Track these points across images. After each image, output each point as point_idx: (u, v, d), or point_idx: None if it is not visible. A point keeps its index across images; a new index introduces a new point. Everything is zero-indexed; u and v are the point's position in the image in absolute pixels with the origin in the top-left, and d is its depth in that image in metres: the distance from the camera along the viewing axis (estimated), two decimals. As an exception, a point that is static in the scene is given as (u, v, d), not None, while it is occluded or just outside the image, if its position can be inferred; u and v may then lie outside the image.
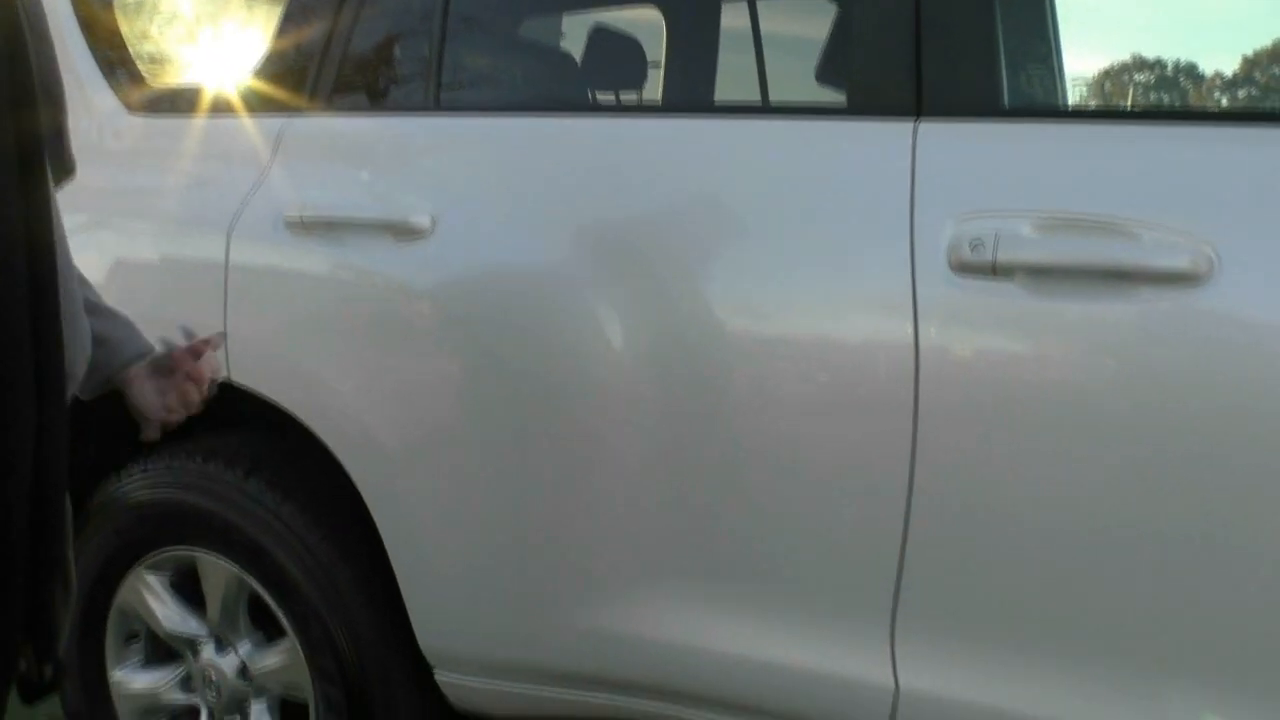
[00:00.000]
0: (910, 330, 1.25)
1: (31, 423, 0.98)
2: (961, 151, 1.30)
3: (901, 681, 1.33)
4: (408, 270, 1.53)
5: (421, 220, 1.52)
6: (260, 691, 1.75)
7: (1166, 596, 1.21)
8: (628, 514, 1.46)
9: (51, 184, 1.03)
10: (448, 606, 1.58)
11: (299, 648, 1.66)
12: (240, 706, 1.77)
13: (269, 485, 1.67)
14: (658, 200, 1.47)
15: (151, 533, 1.75)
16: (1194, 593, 1.20)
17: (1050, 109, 1.62)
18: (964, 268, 1.23)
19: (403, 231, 1.52)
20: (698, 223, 1.44)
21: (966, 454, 1.27)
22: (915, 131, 1.31)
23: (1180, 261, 1.14)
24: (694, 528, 1.44)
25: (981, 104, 1.31)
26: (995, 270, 1.21)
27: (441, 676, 1.61)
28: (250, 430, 1.78)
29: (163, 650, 1.84)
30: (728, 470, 1.40)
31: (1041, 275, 1.21)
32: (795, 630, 1.39)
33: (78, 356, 1.10)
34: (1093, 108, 3.16)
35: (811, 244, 1.34)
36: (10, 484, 0.97)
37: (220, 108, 1.74)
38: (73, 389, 1.09)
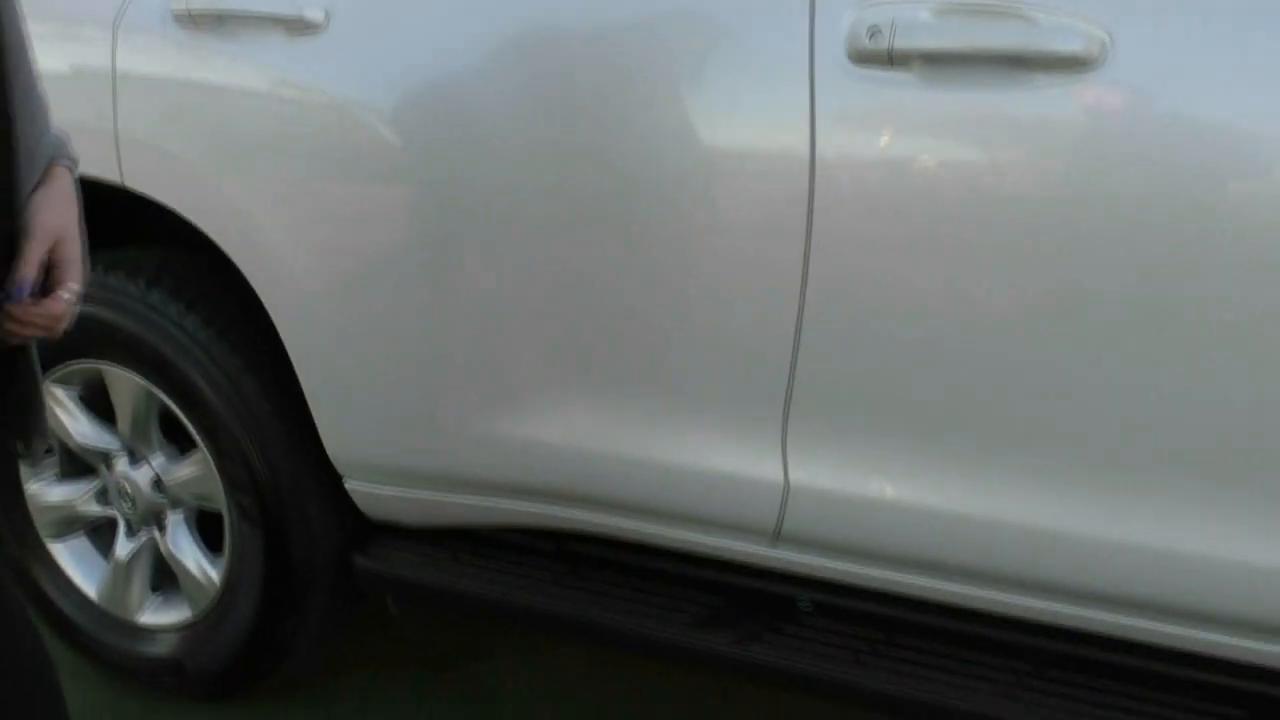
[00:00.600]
0: (808, 125, 1.23)
1: None
2: None
3: (792, 480, 1.36)
4: (300, 67, 1.47)
5: (315, 14, 1.45)
6: (176, 503, 1.76)
7: (1059, 393, 1.23)
8: (533, 325, 1.45)
9: None
10: (354, 417, 1.58)
11: (210, 458, 1.66)
12: (157, 518, 1.78)
13: (172, 296, 1.64)
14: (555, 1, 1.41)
15: (56, 346, 1.73)
16: (1084, 386, 1.22)
17: None
18: (862, 57, 1.20)
19: (296, 26, 1.46)
20: (599, 28, 1.38)
21: (861, 253, 1.26)
22: None
23: (1074, 45, 1.12)
24: (598, 338, 1.44)
25: None
26: (892, 59, 1.17)
27: (351, 485, 1.62)
28: (153, 240, 1.74)
29: (78, 464, 1.84)
30: (629, 280, 1.39)
31: (938, 62, 1.18)
32: (693, 434, 1.41)
33: (37, 134, 1.00)
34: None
35: (711, 44, 1.30)
36: None
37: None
38: (31, 173, 0.99)
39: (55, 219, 1.00)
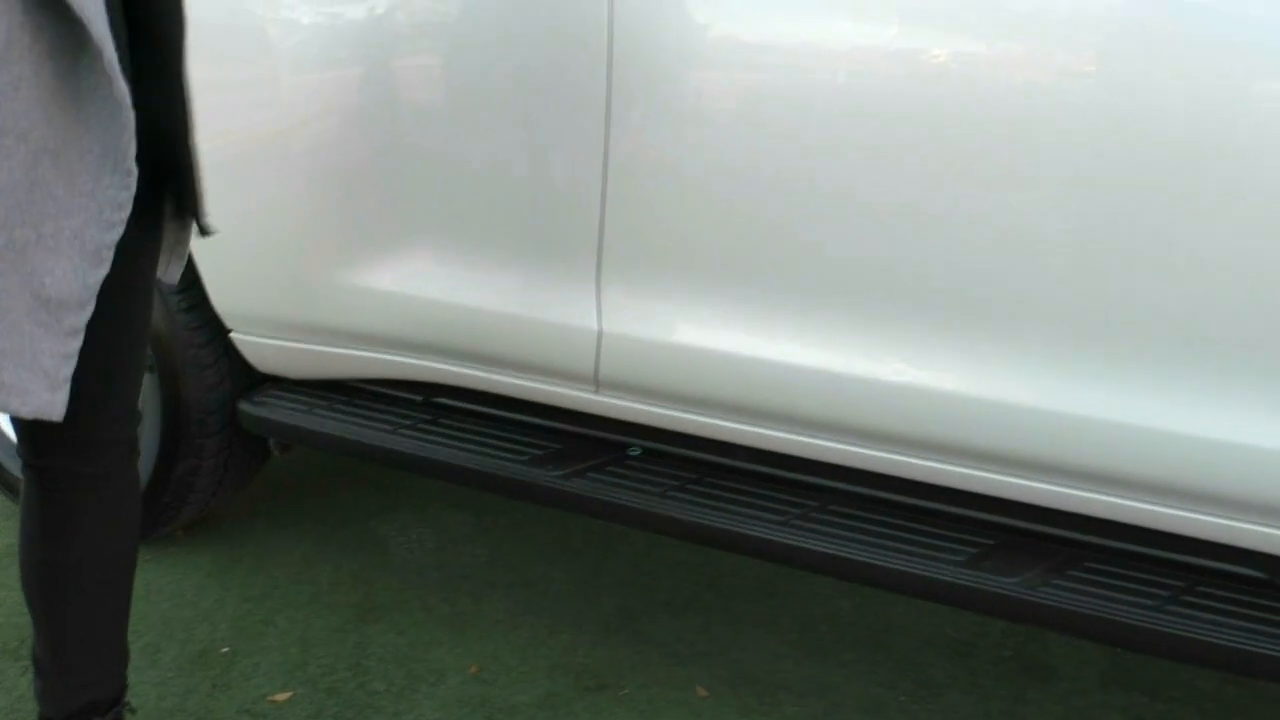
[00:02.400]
0: None
1: None
2: None
3: (606, 327, 1.49)
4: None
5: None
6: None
7: (870, 236, 1.33)
8: (376, 183, 1.60)
9: None
10: (236, 271, 1.72)
11: (117, 313, 1.82)
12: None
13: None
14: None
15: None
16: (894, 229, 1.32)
17: None
18: None
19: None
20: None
21: (660, 109, 1.37)
22: None
23: None
24: (440, 194, 1.58)
25: None
26: None
27: (236, 336, 1.77)
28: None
29: None
30: (453, 136, 1.53)
31: None
32: (517, 283, 1.54)
33: None
34: None
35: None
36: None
37: None
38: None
39: None
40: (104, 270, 1.03)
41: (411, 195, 1.58)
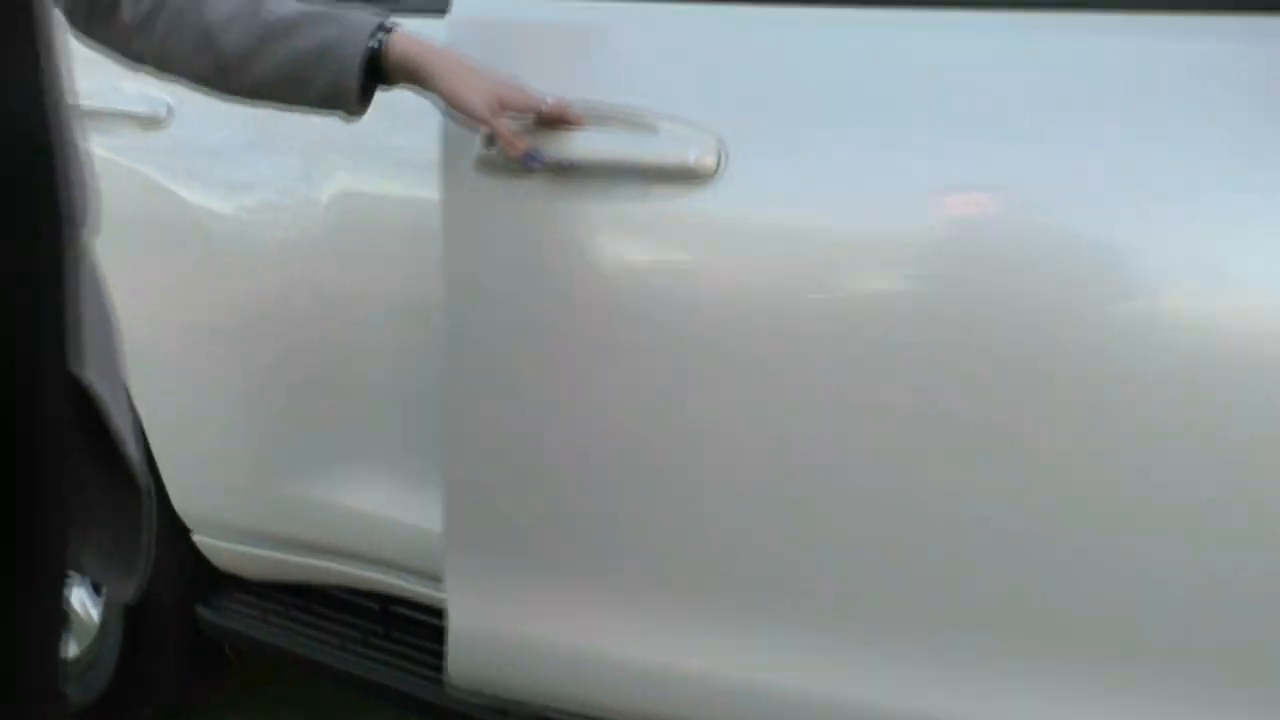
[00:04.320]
0: (437, 231, 1.23)
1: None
2: (483, 27, 1.21)
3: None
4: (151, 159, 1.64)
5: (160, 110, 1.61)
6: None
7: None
8: (339, 397, 1.57)
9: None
10: (196, 476, 1.71)
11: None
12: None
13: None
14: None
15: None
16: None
17: None
18: (485, 165, 1.18)
19: (148, 122, 1.63)
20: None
21: (493, 375, 1.26)
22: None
23: (688, 156, 1.11)
24: (390, 415, 1.54)
25: None
26: (514, 168, 1.16)
27: (198, 538, 1.75)
28: None
29: None
30: (403, 365, 1.50)
31: (563, 173, 1.16)
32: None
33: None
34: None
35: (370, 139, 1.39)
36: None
37: None
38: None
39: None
40: None
41: (364, 412, 1.55)
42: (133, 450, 0.97)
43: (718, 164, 1.10)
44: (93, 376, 0.93)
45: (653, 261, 1.19)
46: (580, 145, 1.15)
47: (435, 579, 1.56)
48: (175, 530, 1.75)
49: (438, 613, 1.63)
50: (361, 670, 1.57)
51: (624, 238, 1.19)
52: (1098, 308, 1.00)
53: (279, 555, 1.70)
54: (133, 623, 1.78)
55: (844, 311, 1.10)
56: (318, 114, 1.16)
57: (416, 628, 1.65)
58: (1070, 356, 1.00)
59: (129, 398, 1.03)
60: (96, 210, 0.96)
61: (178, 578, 1.77)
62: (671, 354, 1.16)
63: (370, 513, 1.57)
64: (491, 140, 1.14)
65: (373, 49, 1.10)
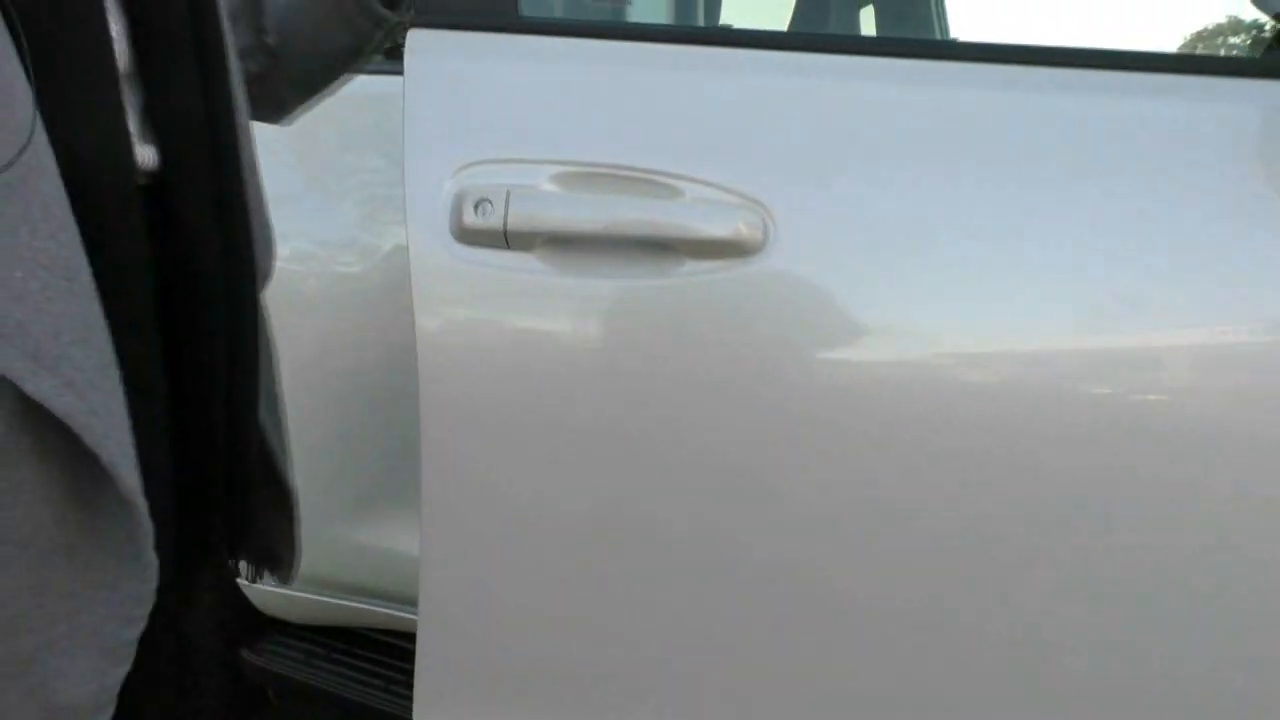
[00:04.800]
0: (410, 317, 1.02)
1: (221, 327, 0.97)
2: (462, 72, 1.02)
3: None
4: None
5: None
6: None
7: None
8: (374, 443, 1.60)
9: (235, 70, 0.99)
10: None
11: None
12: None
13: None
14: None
15: None
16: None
17: (578, 24, 1.11)
18: (470, 236, 0.98)
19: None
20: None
21: (477, 481, 1.07)
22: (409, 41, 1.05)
23: (733, 227, 0.96)
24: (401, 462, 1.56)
25: (487, 7, 1.05)
26: (509, 240, 0.98)
27: (241, 582, 1.77)
28: None
29: None
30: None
31: (567, 246, 0.98)
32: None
33: (265, 251, 1.04)
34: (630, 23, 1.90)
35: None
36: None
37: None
38: (263, 284, 1.05)
39: None
40: (124, 669, 0.88)
41: (408, 456, 1.57)
42: (287, 463, 1.06)
43: (765, 235, 0.96)
44: (264, 413, 1.01)
45: (677, 350, 0.99)
46: (592, 211, 0.98)
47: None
48: (218, 574, 1.77)
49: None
50: (405, 712, 1.58)
51: (643, 320, 0.99)
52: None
53: (322, 598, 1.72)
54: (177, 666, 1.79)
55: (900, 413, 0.95)
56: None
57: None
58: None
59: (281, 415, 1.10)
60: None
61: (221, 622, 1.79)
62: (724, 466, 1.00)
63: (412, 555, 1.59)
64: (481, 206, 0.98)
65: None
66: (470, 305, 1.01)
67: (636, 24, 1.25)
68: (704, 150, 0.98)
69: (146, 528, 0.85)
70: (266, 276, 1.03)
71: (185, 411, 0.96)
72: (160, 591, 0.91)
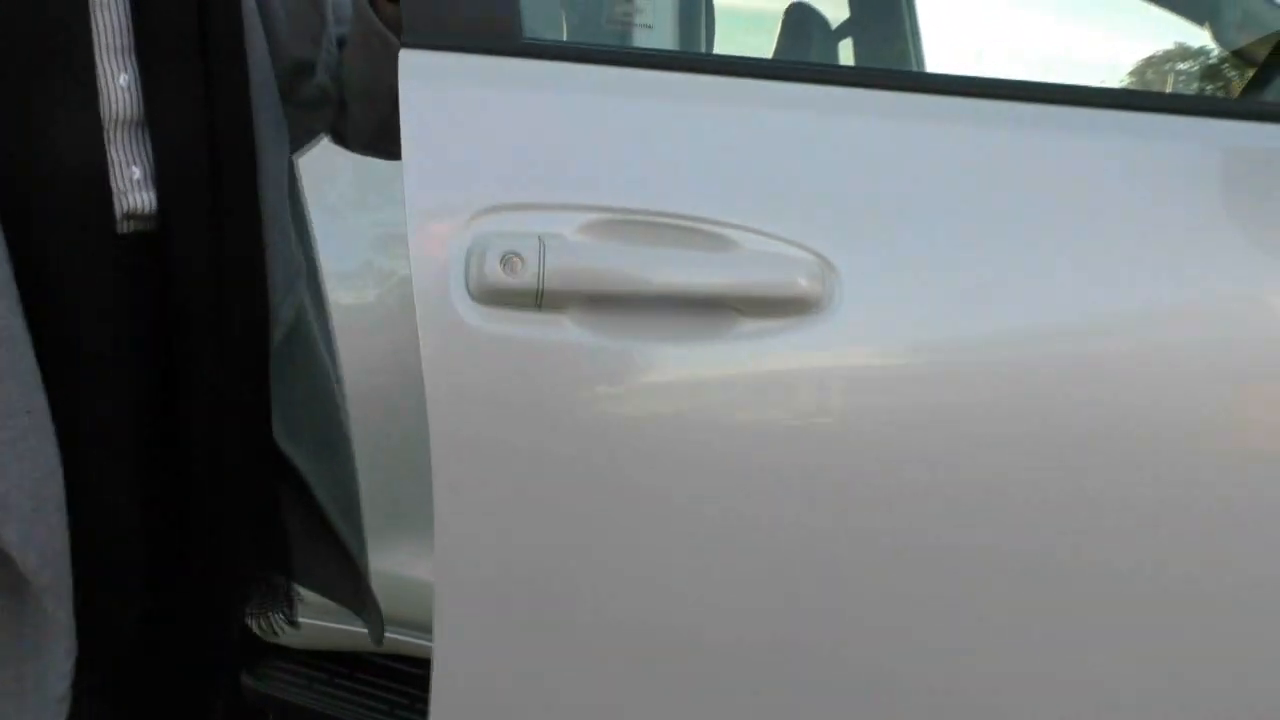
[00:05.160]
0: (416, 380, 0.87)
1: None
2: (469, 101, 0.87)
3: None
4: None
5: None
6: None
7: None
8: (373, 470, 1.60)
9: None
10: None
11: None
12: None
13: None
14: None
15: None
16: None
17: (606, 49, 0.97)
18: (493, 295, 0.84)
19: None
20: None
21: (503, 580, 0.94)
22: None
23: (794, 281, 0.86)
24: (421, 483, 1.57)
25: (491, 29, 0.89)
26: (542, 300, 0.84)
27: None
28: None
29: None
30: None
31: (603, 305, 0.85)
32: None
33: (284, 297, 1.03)
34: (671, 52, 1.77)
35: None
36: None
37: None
38: (277, 331, 1.03)
39: None
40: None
41: (410, 481, 1.59)
42: (332, 512, 1.11)
43: (828, 290, 0.86)
44: (292, 448, 1.04)
45: (735, 419, 0.88)
46: (638, 266, 0.86)
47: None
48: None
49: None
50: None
51: (697, 388, 0.88)
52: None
53: (323, 623, 1.72)
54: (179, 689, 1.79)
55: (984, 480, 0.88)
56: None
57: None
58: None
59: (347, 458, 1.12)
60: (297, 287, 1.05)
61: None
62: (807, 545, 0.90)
63: (413, 578, 1.61)
64: (508, 261, 0.83)
65: None
66: (494, 375, 0.85)
67: (655, 51, 1.17)
68: (756, 195, 0.88)
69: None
70: (283, 323, 1.03)
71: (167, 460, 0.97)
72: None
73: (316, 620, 1.72)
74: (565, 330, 0.85)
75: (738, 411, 0.87)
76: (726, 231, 0.86)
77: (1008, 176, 0.87)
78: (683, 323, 0.86)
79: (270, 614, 1.16)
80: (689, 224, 0.86)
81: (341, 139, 1.17)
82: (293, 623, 1.15)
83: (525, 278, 0.83)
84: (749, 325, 0.86)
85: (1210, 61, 1.75)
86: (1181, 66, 1.95)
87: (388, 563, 1.61)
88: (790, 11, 2.40)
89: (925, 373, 0.87)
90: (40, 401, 0.83)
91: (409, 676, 1.72)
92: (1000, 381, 0.86)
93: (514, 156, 0.86)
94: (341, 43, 1.10)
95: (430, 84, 0.86)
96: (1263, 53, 1.15)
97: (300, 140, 1.11)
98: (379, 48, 1.01)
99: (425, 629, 1.63)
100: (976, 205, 0.87)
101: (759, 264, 0.86)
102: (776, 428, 0.87)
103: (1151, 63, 1.96)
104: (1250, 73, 1.13)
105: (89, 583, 0.90)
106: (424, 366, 0.85)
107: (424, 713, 1.65)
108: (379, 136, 1.08)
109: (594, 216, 0.86)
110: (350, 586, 1.16)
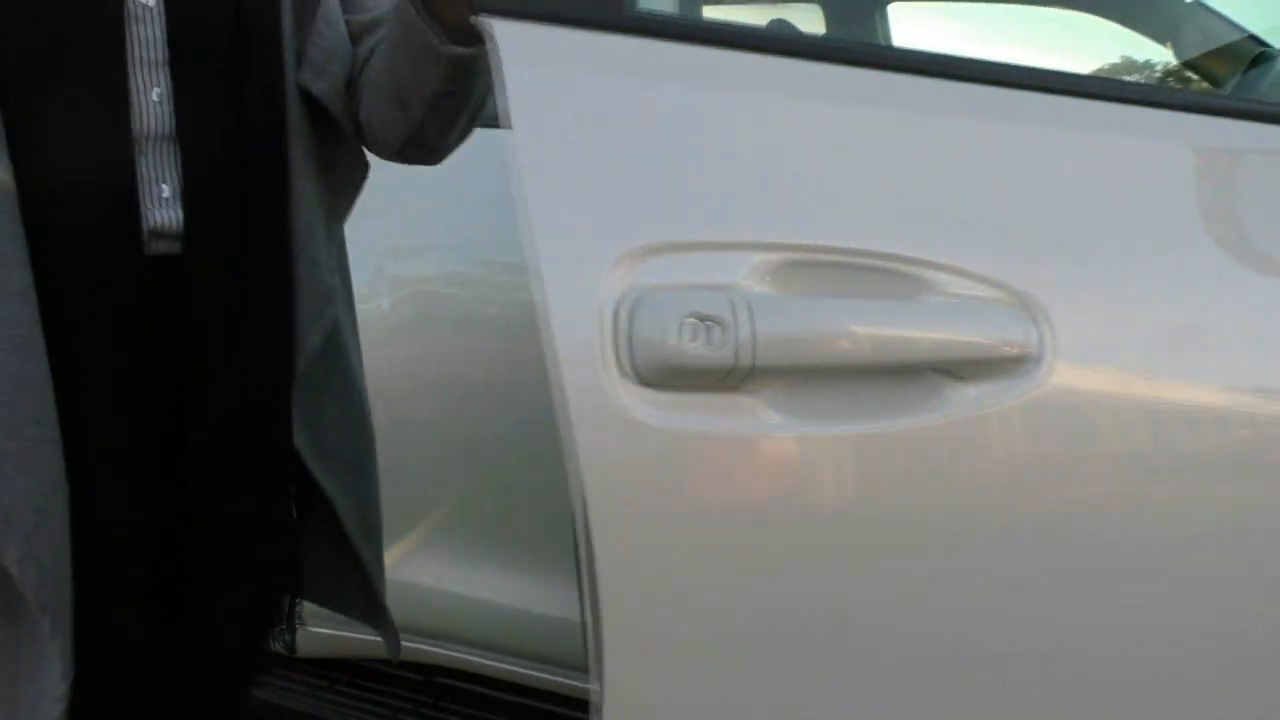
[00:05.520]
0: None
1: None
2: (600, 91, 0.64)
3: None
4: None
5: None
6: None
7: None
8: (384, 475, 1.64)
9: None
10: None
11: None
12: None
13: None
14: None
15: None
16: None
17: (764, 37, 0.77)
18: (672, 375, 0.61)
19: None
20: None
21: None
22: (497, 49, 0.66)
23: (1013, 336, 0.65)
24: (443, 493, 1.61)
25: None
26: (747, 378, 0.61)
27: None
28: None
29: None
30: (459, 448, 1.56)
31: (812, 380, 0.63)
32: (516, 578, 1.55)
33: (310, 324, 0.99)
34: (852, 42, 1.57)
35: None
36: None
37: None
38: (303, 357, 1.00)
39: None
40: None
41: (418, 490, 1.62)
42: (354, 536, 1.11)
43: (1041, 342, 0.66)
44: (320, 470, 1.04)
45: (957, 506, 0.69)
46: (835, 323, 0.63)
47: (481, 647, 1.63)
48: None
49: (481, 681, 1.69)
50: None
51: (906, 476, 0.67)
52: None
53: (326, 631, 1.74)
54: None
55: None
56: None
57: (462, 696, 1.71)
58: None
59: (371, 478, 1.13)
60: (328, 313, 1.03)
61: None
62: None
63: (416, 584, 1.63)
64: (696, 329, 0.59)
65: None
66: (682, 488, 0.63)
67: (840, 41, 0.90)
68: (953, 227, 0.66)
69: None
70: (309, 349, 0.99)
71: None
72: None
73: (320, 629, 1.73)
74: (762, 417, 0.63)
75: (957, 497, 0.69)
76: (917, 271, 0.65)
77: (1239, 195, 0.72)
78: (869, 395, 0.64)
79: (277, 635, 1.16)
80: (878, 264, 0.65)
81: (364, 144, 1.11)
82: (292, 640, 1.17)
83: (723, 352, 0.60)
84: (954, 393, 0.66)
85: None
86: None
87: (394, 569, 1.63)
88: (771, 27, 2.46)
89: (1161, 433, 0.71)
90: (50, 415, 0.82)
91: (411, 683, 1.73)
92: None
93: (663, 174, 0.63)
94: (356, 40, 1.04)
95: (541, 69, 0.62)
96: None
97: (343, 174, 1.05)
98: (421, 53, 0.92)
99: (427, 635, 1.65)
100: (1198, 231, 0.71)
101: (960, 315, 0.66)
102: (1007, 519, 0.70)
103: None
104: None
105: (89, 604, 0.88)
106: (583, 475, 0.61)
107: (426, 719, 1.67)
108: (409, 143, 1.03)
109: (780, 257, 0.62)
110: (367, 604, 1.17)
